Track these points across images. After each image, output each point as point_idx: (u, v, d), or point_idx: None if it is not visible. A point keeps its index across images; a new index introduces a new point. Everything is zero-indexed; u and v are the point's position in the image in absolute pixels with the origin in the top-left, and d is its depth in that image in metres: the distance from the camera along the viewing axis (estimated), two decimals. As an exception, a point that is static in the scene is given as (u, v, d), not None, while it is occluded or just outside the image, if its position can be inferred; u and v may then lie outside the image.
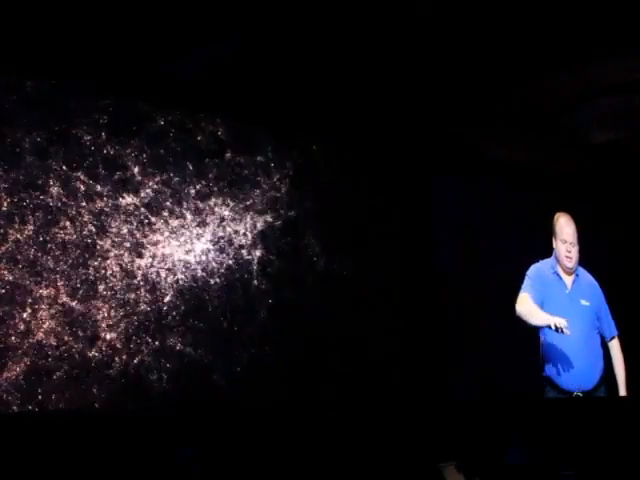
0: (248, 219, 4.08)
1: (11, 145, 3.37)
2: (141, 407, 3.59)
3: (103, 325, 3.54)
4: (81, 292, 3.49)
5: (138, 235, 3.71)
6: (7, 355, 3.26)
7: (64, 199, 3.50)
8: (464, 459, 4.08)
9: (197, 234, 3.90)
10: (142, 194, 3.75)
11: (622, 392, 5.27)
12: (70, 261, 3.48)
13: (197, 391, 3.79)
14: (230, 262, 3.98)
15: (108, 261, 3.60)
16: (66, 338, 3.42)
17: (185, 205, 3.87)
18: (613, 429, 4.79)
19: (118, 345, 3.57)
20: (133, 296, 3.65)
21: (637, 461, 4.33)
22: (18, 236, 3.35)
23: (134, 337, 3.62)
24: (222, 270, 3.95)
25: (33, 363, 3.32)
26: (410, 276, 4.73)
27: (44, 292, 3.39)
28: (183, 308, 3.79)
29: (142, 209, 3.74)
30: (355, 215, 4.54)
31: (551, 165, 5.28)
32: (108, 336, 3.54)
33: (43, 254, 3.41)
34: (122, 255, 3.64)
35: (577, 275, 5.27)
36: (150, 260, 3.73)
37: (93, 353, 3.49)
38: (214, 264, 3.93)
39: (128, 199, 3.70)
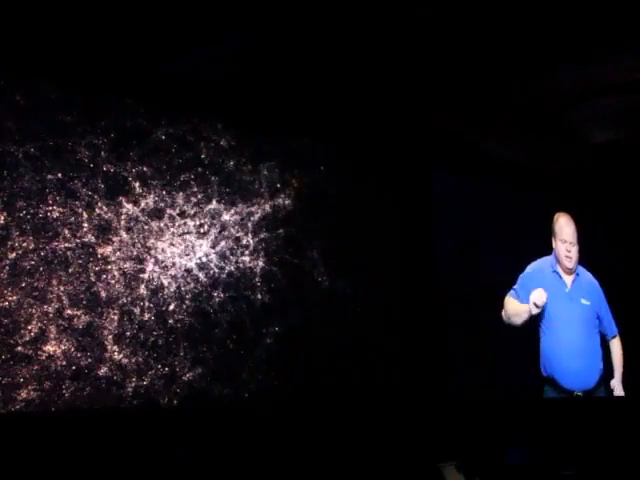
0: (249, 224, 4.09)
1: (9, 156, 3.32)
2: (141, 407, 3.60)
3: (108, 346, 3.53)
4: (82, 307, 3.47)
5: (139, 244, 3.69)
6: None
7: (64, 210, 3.47)
8: (464, 459, 4.09)
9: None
10: (142, 204, 3.72)
11: (617, 388, 5.26)
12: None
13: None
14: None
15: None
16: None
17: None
18: (613, 429, 4.79)
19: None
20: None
21: (637, 461, 4.33)
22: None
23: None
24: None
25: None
26: (410, 276, 4.73)
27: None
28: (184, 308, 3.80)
29: (144, 217, 3.72)
30: (355, 215, 4.53)
31: (551, 165, 5.29)
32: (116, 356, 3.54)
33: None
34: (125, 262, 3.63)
35: (577, 274, 5.25)
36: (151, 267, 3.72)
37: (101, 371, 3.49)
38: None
39: (129, 208, 3.67)
